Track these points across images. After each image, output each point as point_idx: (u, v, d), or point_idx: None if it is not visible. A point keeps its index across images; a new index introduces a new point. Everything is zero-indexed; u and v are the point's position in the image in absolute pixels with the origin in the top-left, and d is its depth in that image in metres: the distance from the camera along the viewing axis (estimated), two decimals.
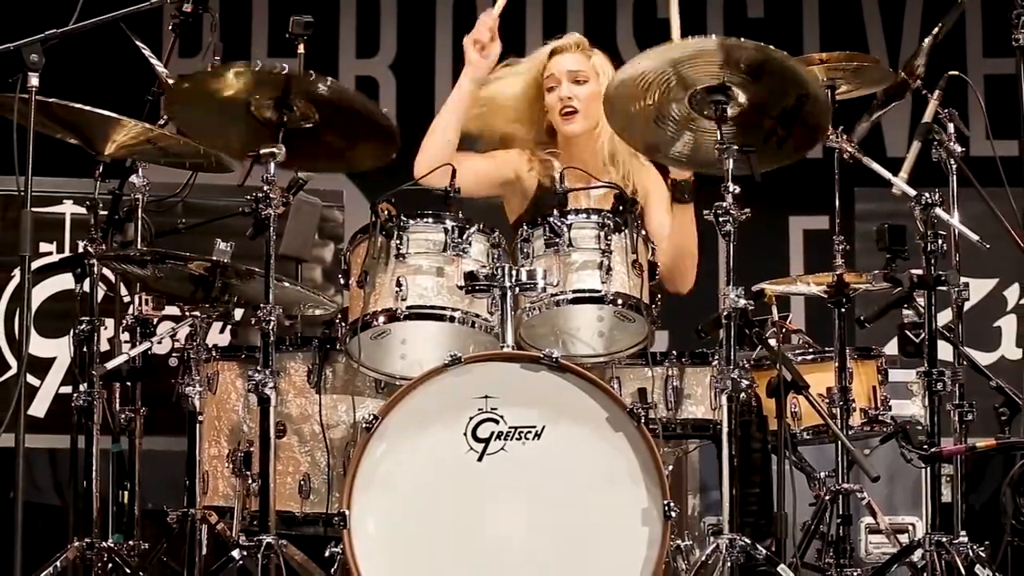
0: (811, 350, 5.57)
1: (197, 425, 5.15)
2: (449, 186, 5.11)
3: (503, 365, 4.70)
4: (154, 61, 5.34)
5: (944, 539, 4.98)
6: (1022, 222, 5.01)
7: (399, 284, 4.86)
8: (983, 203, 5.30)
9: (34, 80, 4.47)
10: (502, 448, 4.64)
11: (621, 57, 5.74)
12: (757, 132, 4.92)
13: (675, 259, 5.48)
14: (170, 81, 5.28)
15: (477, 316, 4.89)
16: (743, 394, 4.91)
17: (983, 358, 6.42)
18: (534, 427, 4.65)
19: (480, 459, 4.64)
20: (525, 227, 4.99)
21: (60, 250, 6.40)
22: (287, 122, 4.84)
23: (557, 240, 4.91)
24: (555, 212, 4.95)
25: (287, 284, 5.22)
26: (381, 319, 4.90)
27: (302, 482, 5.20)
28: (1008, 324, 6.78)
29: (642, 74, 4.86)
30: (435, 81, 8.21)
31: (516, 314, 4.85)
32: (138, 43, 5.27)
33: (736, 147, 4.87)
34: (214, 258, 5.06)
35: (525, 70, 5.66)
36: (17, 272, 6.18)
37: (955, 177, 5.30)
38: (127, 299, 5.67)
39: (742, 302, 4.80)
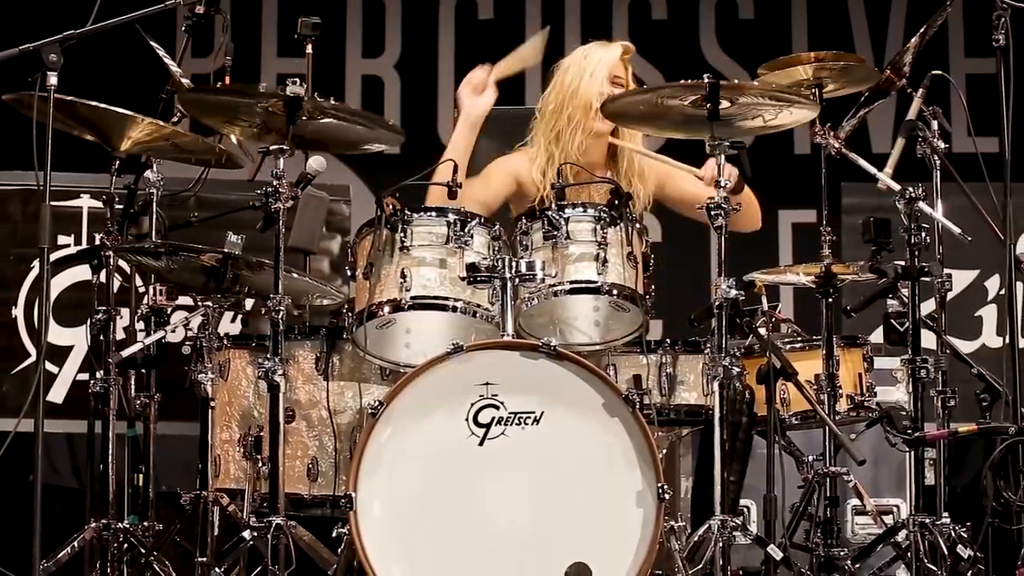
0: (799, 338, 5.60)
1: (209, 411, 5.18)
2: (451, 181, 5.23)
3: (503, 353, 4.75)
4: (168, 61, 5.39)
5: (927, 520, 5.10)
6: (1002, 216, 5.04)
7: (403, 275, 4.93)
8: (965, 197, 5.37)
9: (53, 79, 4.52)
10: (502, 433, 4.69)
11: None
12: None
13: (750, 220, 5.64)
14: (184, 81, 5.39)
15: (478, 306, 4.95)
16: (736, 383, 5.05)
17: (965, 346, 6.43)
18: (533, 413, 4.71)
19: (481, 443, 4.69)
20: (524, 220, 5.04)
21: (77, 242, 6.38)
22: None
23: (555, 233, 4.96)
24: (553, 206, 5.02)
25: (295, 275, 5.27)
26: (386, 309, 4.96)
27: (310, 465, 5.27)
28: (989, 313, 6.77)
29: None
30: (438, 80, 8.21)
31: (516, 304, 4.90)
32: (152, 43, 5.33)
33: (728, 144, 4.98)
34: (225, 250, 5.11)
35: (607, 71, 5.65)
36: (36, 263, 6.22)
37: (938, 172, 5.33)
38: (142, 289, 5.64)
39: (733, 292, 4.90)
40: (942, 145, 5.35)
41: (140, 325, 5.51)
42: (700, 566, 4.85)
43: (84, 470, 5.75)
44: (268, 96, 4.89)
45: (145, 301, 5.50)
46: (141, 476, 5.45)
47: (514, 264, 4.87)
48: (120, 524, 5.22)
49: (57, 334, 6.34)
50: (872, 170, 5.34)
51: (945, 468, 5.33)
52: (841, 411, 5.48)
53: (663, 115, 5.11)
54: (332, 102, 4.93)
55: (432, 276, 4.98)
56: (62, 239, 6.40)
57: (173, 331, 5.44)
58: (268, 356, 4.87)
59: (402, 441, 4.71)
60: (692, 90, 4.96)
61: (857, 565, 5.27)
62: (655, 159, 5.66)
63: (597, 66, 5.66)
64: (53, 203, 4.54)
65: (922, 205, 5.21)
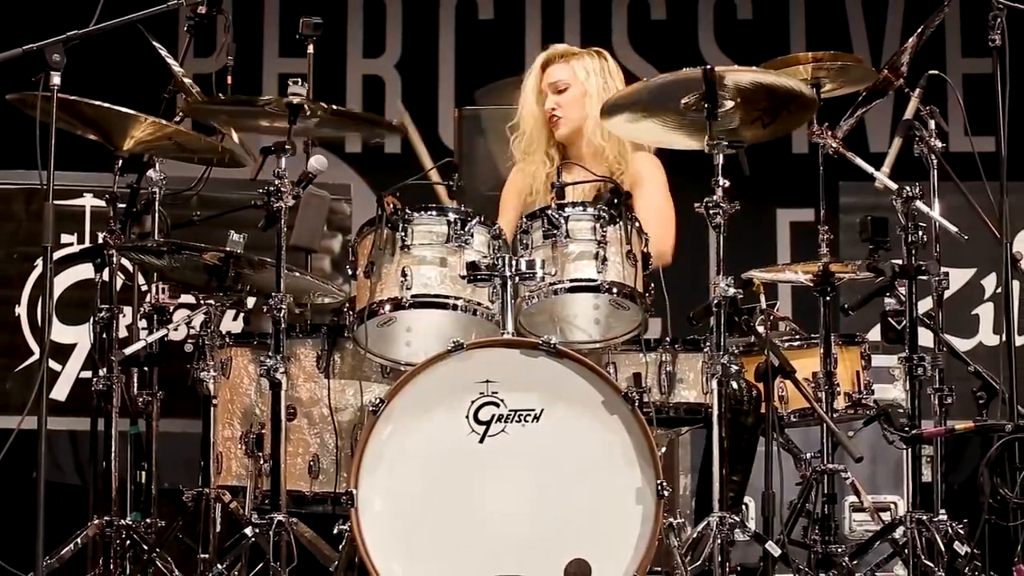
0: (797, 337, 5.63)
1: (211, 408, 5.19)
2: (452, 181, 5.24)
3: (503, 351, 4.77)
4: (170, 61, 5.42)
5: (924, 517, 5.10)
6: (999, 214, 5.07)
7: (404, 274, 4.94)
8: (962, 196, 5.41)
9: (56, 79, 4.53)
10: (503, 430, 4.71)
11: (617, 58, 5.90)
12: (745, 120, 5.07)
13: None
14: (186, 81, 5.43)
15: (479, 304, 4.96)
16: (738, 383, 5.07)
17: (962, 344, 6.45)
18: (533, 410, 4.72)
19: (482, 441, 4.71)
20: (524, 219, 5.06)
21: (80, 241, 6.41)
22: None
23: (555, 232, 4.97)
24: (553, 205, 5.03)
25: (297, 274, 5.29)
26: (387, 307, 4.97)
27: (311, 463, 5.28)
28: (985, 312, 6.79)
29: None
30: (438, 80, 8.26)
31: (516, 302, 4.91)
32: (155, 44, 5.35)
33: (726, 143, 4.99)
34: (228, 249, 5.14)
35: (531, 89, 5.78)
36: (40, 262, 6.27)
37: (935, 172, 5.35)
38: (144, 288, 5.72)
39: (732, 291, 4.92)
40: (939, 144, 5.37)
41: (143, 323, 5.54)
42: (699, 562, 4.88)
43: (87, 467, 5.78)
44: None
45: (148, 299, 5.54)
46: (143, 473, 5.50)
47: (514, 263, 4.88)
48: (123, 521, 5.26)
49: (60, 332, 6.36)
50: (870, 169, 5.36)
51: (942, 465, 5.36)
52: (839, 409, 5.51)
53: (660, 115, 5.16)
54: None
55: (432, 275, 4.99)
56: (65, 238, 6.43)
57: (175, 329, 5.47)
58: (270, 354, 4.90)
59: (403, 438, 4.72)
60: (690, 90, 5.00)
61: (855, 562, 5.27)
62: None
63: (528, 93, 5.78)
64: (56, 202, 4.55)
65: (919, 204, 5.23)
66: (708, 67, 4.95)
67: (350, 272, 5.15)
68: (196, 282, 5.34)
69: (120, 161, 5.39)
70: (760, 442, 5.29)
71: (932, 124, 5.36)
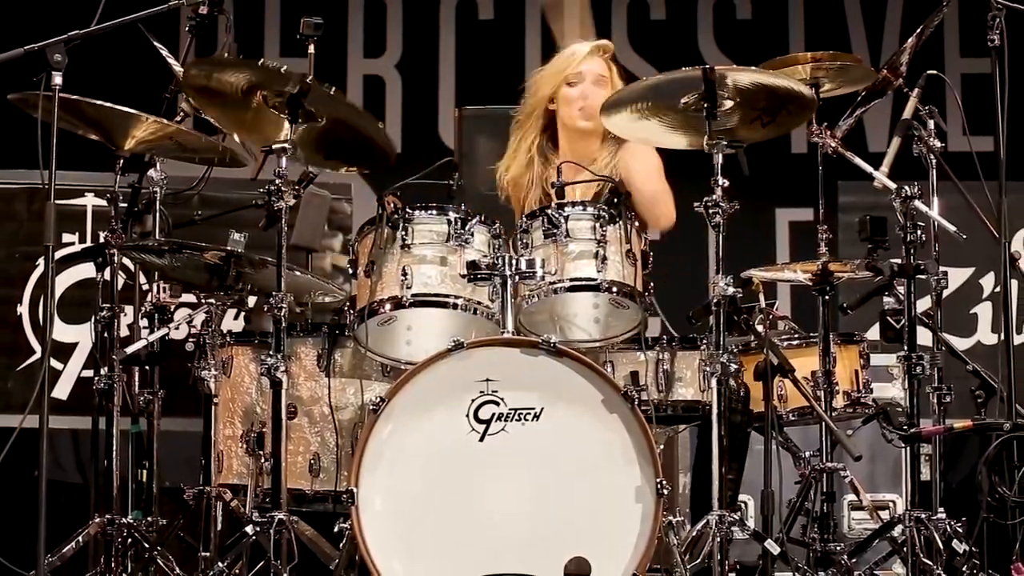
0: (796, 336, 5.60)
1: (212, 407, 5.24)
2: (451, 181, 5.27)
3: (503, 350, 4.78)
4: (171, 61, 5.42)
5: (923, 515, 5.11)
6: (997, 214, 5.07)
7: (404, 273, 4.96)
8: (960, 196, 5.42)
9: (57, 79, 4.55)
10: (503, 429, 4.72)
11: (617, 58, 5.92)
12: (743, 120, 5.09)
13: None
14: None
15: (479, 303, 4.98)
16: (731, 382, 5.08)
17: (960, 343, 6.49)
18: (533, 409, 4.73)
19: (482, 439, 4.72)
20: (524, 218, 5.09)
21: (82, 240, 6.42)
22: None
23: (555, 231, 4.99)
24: (553, 204, 5.06)
25: (298, 273, 5.32)
26: (387, 306, 4.99)
27: (312, 461, 5.29)
28: (984, 311, 6.81)
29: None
30: (439, 80, 8.29)
31: (516, 301, 4.93)
32: (156, 44, 5.35)
33: (725, 143, 5.00)
34: (228, 248, 5.16)
35: (562, 65, 5.77)
36: (41, 261, 6.27)
37: (934, 171, 5.35)
38: (145, 287, 5.72)
39: (731, 290, 4.94)
40: (938, 144, 5.37)
41: (144, 322, 5.54)
42: (698, 560, 4.89)
43: (88, 466, 5.81)
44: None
45: (149, 298, 5.54)
46: (145, 472, 5.49)
47: (514, 262, 4.89)
48: (124, 519, 5.26)
49: (62, 331, 6.36)
50: (869, 169, 5.37)
51: (940, 464, 5.37)
52: (838, 407, 5.50)
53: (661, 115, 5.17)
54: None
55: (433, 274, 5.01)
56: (67, 237, 6.44)
57: (176, 328, 5.47)
58: (270, 353, 4.90)
59: (403, 437, 4.74)
60: (689, 90, 5.01)
61: (853, 560, 5.28)
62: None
63: (557, 68, 5.77)
64: (58, 201, 4.55)
65: (918, 203, 5.24)
66: (708, 67, 4.96)
67: (351, 271, 5.17)
68: (197, 281, 5.34)
69: (121, 161, 5.40)
70: (757, 440, 5.30)
71: (931, 124, 5.37)
